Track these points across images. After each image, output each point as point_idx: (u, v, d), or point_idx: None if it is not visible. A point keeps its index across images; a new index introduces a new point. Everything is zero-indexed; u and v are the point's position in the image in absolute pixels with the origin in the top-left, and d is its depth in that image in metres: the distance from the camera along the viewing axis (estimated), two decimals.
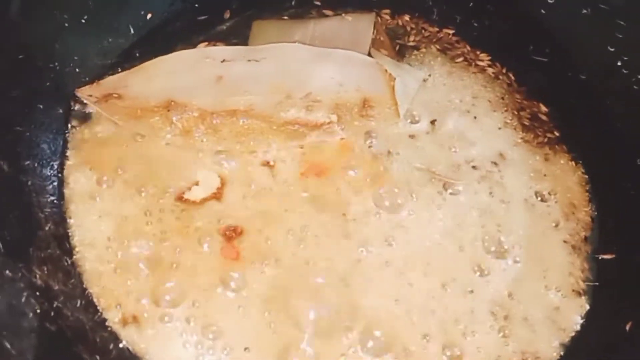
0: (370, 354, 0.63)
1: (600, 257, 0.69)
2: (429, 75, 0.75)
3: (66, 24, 0.68)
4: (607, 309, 0.66)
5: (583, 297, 0.67)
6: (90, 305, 0.63)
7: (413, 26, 0.78)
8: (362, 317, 0.64)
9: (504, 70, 0.76)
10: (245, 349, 0.63)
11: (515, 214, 0.69)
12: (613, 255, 0.68)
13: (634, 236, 0.68)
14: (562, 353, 0.65)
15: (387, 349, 0.64)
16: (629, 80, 0.68)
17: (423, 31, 0.78)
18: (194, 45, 0.75)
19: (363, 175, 0.70)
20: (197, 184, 0.68)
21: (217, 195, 0.68)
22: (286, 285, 0.65)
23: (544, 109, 0.75)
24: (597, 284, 0.68)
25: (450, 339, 0.64)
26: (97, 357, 0.61)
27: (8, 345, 0.54)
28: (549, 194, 0.71)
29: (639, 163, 0.68)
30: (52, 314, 0.60)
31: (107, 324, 0.63)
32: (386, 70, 0.72)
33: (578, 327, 0.66)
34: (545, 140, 0.74)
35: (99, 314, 0.64)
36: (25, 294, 0.59)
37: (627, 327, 0.63)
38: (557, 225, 0.70)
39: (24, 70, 0.66)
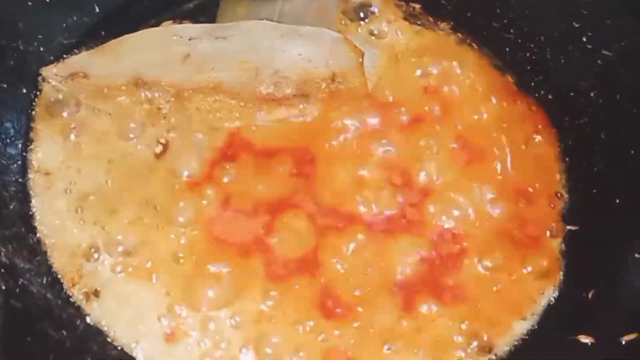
0: None
1: (566, 228, 0.70)
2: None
3: (29, 2, 0.67)
4: (571, 277, 0.67)
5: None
6: (55, 282, 0.64)
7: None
8: None
9: (468, 41, 0.76)
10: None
11: None
12: (577, 227, 0.69)
13: (597, 209, 0.69)
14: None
15: None
16: (593, 55, 0.69)
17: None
18: (160, 24, 0.74)
19: None
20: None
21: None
22: None
23: (510, 79, 0.75)
24: None
25: None
26: (64, 333, 0.61)
27: None
28: None
29: (603, 137, 0.69)
30: (18, 290, 0.61)
31: (72, 300, 0.64)
32: (355, 46, 0.72)
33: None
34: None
35: (64, 290, 0.64)
36: None
37: (590, 295, 0.64)
38: None
39: None
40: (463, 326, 0.65)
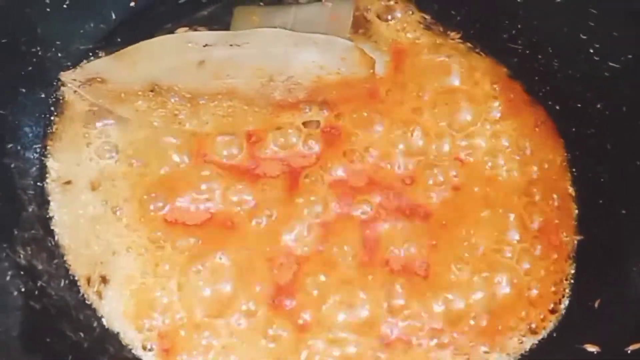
0: None
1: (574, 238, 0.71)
2: None
3: (48, 9, 0.69)
4: (578, 286, 0.68)
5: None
6: (73, 285, 0.65)
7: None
8: None
9: (477, 50, 0.77)
10: None
11: None
12: (584, 237, 0.70)
13: (603, 219, 0.70)
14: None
15: None
16: (600, 66, 0.70)
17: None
18: (175, 31, 0.75)
19: None
20: None
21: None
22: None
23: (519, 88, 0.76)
24: None
25: None
26: (81, 335, 0.62)
27: None
28: None
29: (609, 147, 0.70)
30: (37, 292, 0.62)
31: (88, 302, 0.65)
32: (366, 54, 0.73)
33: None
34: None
35: (81, 293, 0.65)
36: (9, 273, 0.61)
37: (596, 304, 0.65)
38: None
39: (6, 54, 0.66)
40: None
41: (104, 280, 0.65)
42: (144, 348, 0.64)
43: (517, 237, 0.70)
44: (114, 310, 0.65)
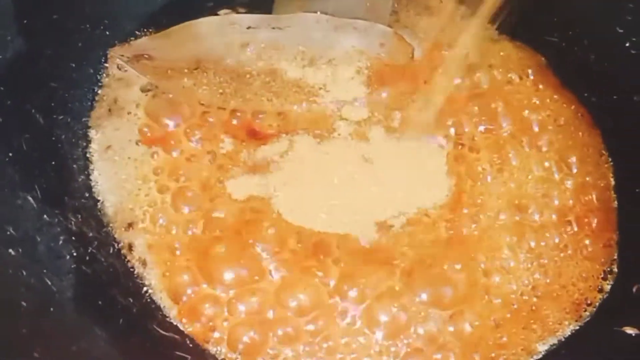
0: None
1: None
2: None
3: None
4: (619, 271, 0.69)
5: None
6: (121, 253, 0.66)
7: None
8: None
9: (513, 42, 0.78)
10: None
11: None
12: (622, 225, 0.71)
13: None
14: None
15: None
16: (636, 60, 0.70)
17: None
18: (218, 13, 0.77)
19: None
20: None
21: None
22: None
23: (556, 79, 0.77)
24: None
25: None
26: (131, 300, 0.63)
27: (49, 282, 0.58)
28: None
29: None
30: (88, 258, 0.63)
31: (136, 271, 0.66)
32: (405, 40, 0.74)
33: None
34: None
35: (128, 260, 0.66)
36: (62, 237, 0.62)
37: (634, 289, 0.66)
38: None
39: (57, 30, 0.68)
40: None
41: (130, 226, 0.66)
42: (181, 321, 0.64)
43: (557, 222, 0.70)
44: (155, 280, 0.65)
